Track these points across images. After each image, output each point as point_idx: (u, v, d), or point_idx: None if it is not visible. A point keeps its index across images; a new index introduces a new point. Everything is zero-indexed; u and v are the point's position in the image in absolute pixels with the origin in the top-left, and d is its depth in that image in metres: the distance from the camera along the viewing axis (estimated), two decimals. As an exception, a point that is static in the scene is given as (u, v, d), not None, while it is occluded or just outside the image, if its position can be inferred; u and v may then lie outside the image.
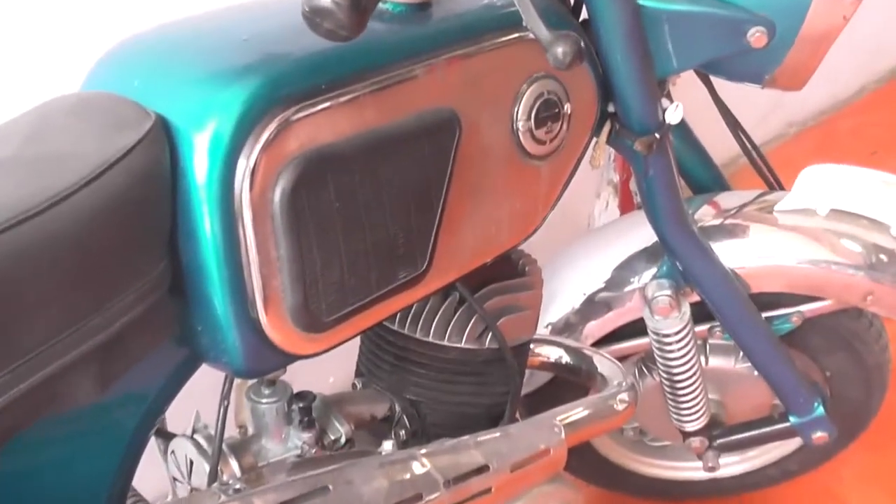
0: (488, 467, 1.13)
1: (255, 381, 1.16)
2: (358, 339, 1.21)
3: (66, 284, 0.86)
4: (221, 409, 1.10)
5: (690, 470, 1.79)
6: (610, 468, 1.78)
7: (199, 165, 0.92)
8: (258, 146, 0.92)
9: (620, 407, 1.28)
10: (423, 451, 1.11)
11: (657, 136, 1.25)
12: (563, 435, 1.20)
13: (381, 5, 1.03)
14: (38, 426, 0.86)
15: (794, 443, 1.75)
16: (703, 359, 1.55)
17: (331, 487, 1.03)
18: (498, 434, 1.17)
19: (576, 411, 1.24)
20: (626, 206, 1.91)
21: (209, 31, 1.05)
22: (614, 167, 1.90)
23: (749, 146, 1.54)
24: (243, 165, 0.92)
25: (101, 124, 0.94)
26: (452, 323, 1.18)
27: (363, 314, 1.04)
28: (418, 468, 1.09)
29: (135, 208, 0.91)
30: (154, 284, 0.94)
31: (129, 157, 0.89)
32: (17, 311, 0.82)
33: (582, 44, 0.94)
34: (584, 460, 1.66)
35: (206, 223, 0.93)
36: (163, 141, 0.93)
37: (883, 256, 1.44)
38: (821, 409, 1.56)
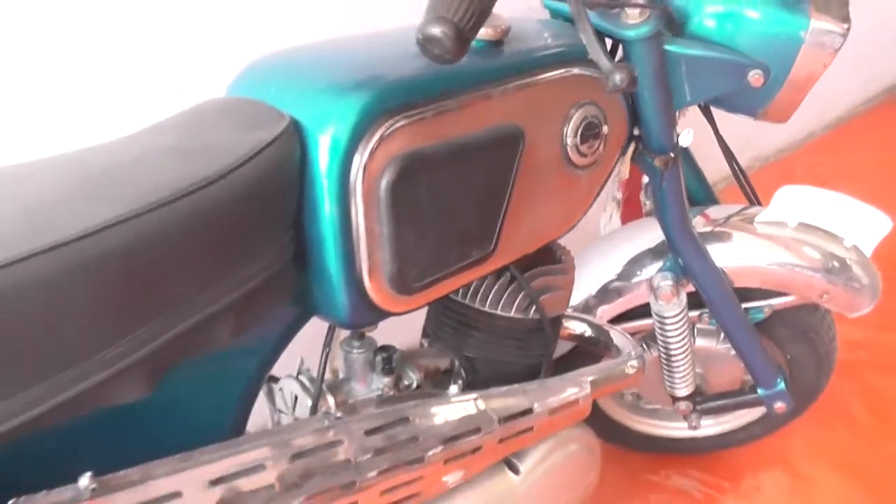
0: (532, 410, 1.13)
1: (348, 334, 1.16)
2: (424, 309, 1.20)
3: (208, 251, 0.86)
4: (323, 356, 1.10)
5: (675, 429, 1.80)
6: (612, 425, 1.79)
7: (323, 160, 0.94)
8: (369, 147, 0.93)
9: (631, 371, 1.28)
10: (481, 395, 1.11)
11: (672, 155, 1.26)
12: (589, 389, 1.20)
13: None
14: (183, 365, 0.87)
15: (758, 411, 1.76)
16: (692, 339, 1.56)
17: (409, 418, 1.04)
18: (539, 385, 1.16)
19: (598, 372, 1.23)
20: (625, 218, 1.93)
21: (334, 53, 1.07)
22: (618, 186, 1.91)
23: (738, 169, 1.54)
24: (357, 162, 0.93)
25: (244, 123, 0.95)
26: (504, 297, 1.19)
27: (443, 283, 1.05)
28: (477, 408, 1.09)
29: (269, 193, 0.92)
30: (280, 254, 0.95)
31: (267, 150, 0.90)
32: (167, 269, 0.83)
33: (635, 73, 0.95)
34: (592, 417, 1.67)
35: (326, 206, 0.95)
36: (294, 139, 0.94)
37: (836, 263, 1.46)
38: (782, 385, 1.57)
